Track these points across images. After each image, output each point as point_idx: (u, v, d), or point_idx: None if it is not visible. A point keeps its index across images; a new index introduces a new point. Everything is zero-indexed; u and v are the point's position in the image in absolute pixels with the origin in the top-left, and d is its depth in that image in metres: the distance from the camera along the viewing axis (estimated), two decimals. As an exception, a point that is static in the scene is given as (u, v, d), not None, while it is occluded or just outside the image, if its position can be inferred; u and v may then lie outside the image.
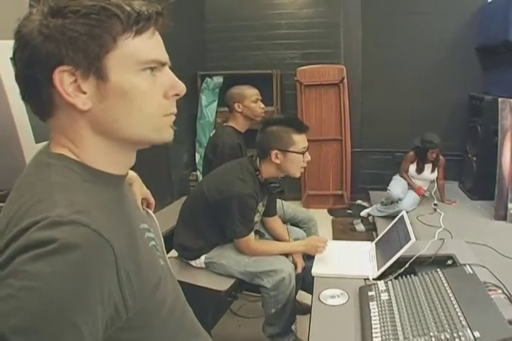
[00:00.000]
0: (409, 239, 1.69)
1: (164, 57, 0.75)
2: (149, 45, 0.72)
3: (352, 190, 4.66)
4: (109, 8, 0.66)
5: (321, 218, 3.76)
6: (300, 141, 2.01)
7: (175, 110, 0.78)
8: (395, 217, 2.07)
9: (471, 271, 1.44)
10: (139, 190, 1.20)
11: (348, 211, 4.45)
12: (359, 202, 4.56)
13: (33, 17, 0.67)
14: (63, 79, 0.67)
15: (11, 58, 0.70)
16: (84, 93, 0.69)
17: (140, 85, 0.71)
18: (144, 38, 0.71)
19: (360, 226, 3.94)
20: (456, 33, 4.14)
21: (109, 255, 0.63)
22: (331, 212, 4.52)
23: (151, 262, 0.81)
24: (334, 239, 3.65)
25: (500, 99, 3.21)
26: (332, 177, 4.65)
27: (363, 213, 4.03)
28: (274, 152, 2.00)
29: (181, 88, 0.77)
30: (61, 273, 0.57)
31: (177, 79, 0.77)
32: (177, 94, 0.77)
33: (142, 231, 0.85)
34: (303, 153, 2.02)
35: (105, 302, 0.63)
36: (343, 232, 3.93)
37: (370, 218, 3.95)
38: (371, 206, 3.96)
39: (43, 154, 0.75)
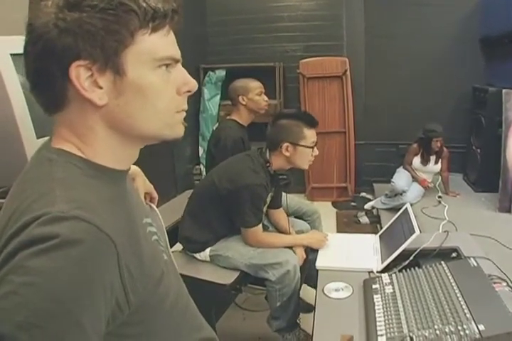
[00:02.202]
0: (414, 231, 1.69)
1: (178, 54, 0.75)
2: (165, 42, 0.72)
3: (356, 182, 4.66)
4: (127, 3, 0.66)
5: (325, 211, 3.77)
6: (310, 135, 2.09)
7: (186, 107, 0.78)
8: (399, 209, 2.06)
9: (475, 264, 1.43)
10: (142, 184, 1.20)
11: (352, 203, 4.45)
12: (363, 194, 4.57)
13: (47, 9, 0.66)
14: (80, 74, 0.66)
15: (24, 50, 0.69)
16: (101, 88, 0.68)
17: (156, 82, 0.71)
18: (160, 35, 0.71)
19: (364, 219, 3.94)
20: (459, 25, 4.11)
21: (111, 250, 0.63)
22: (335, 204, 4.52)
23: (154, 257, 0.81)
24: (338, 231, 3.66)
25: (504, 91, 3.18)
26: (336, 169, 4.64)
27: (367, 206, 4.03)
28: (285, 145, 2.06)
29: (193, 85, 0.78)
30: (63, 268, 0.57)
31: (189, 76, 0.77)
32: (189, 91, 0.77)
33: (145, 225, 0.85)
34: (312, 147, 2.08)
35: (107, 297, 0.63)
36: (347, 225, 3.94)
37: (374, 211, 3.94)
38: (375, 198, 3.95)
39: (45, 149, 0.74)
